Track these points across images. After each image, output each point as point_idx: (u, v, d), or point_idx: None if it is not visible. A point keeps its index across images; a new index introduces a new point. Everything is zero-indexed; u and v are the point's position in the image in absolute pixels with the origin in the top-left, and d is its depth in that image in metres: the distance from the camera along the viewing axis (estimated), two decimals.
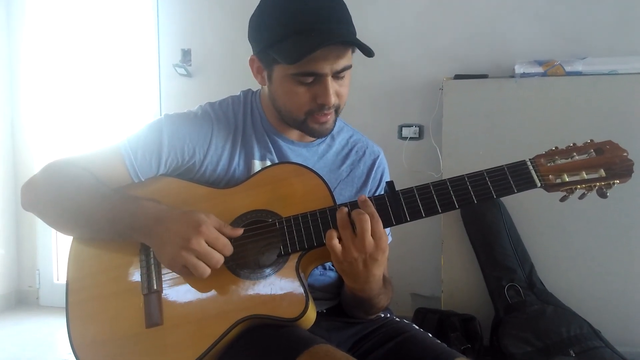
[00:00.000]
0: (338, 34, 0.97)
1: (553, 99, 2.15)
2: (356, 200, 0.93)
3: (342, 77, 1.02)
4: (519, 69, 2.19)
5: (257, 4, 1.04)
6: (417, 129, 2.50)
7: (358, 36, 1.01)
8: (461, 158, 2.24)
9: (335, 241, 0.89)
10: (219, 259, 0.90)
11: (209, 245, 0.89)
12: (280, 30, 0.97)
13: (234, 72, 2.43)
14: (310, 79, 0.99)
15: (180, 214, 0.92)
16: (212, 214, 0.93)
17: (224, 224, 0.94)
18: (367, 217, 0.88)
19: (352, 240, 0.88)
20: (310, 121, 1.04)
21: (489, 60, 2.39)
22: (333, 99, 1.00)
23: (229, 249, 0.92)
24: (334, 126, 1.08)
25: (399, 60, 2.51)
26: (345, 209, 0.91)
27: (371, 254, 0.89)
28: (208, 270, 0.90)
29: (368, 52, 0.96)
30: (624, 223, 2.08)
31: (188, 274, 0.91)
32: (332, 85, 0.99)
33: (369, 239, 0.88)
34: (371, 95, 2.55)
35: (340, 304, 1.14)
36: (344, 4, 1.01)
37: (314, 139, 1.14)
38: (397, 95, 2.54)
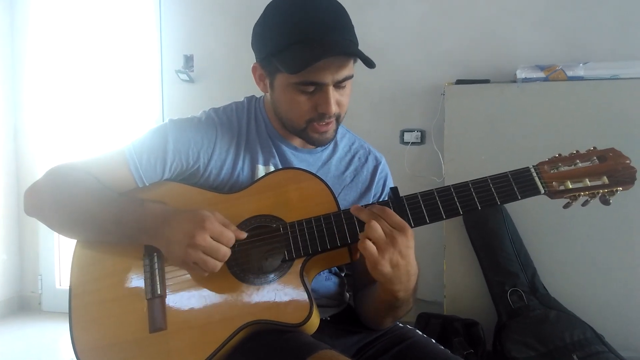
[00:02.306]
0: (340, 46, 0.97)
1: (555, 104, 2.15)
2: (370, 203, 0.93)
3: (344, 87, 1.02)
4: (520, 74, 2.19)
5: (259, 10, 1.04)
6: (419, 134, 2.50)
7: (360, 41, 1.02)
8: (463, 163, 2.24)
9: (369, 243, 0.88)
10: (226, 252, 0.91)
11: (214, 240, 0.90)
12: (283, 40, 0.98)
13: (237, 78, 2.43)
14: (311, 88, 0.99)
15: (185, 213, 0.93)
16: (218, 212, 0.94)
17: (230, 223, 0.94)
18: (379, 218, 0.89)
19: (384, 238, 0.88)
20: (311, 130, 1.04)
21: (490, 65, 2.39)
22: (334, 108, 1.00)
23: (233, 242, 0.92)
24: (334, 135, 1.08)
25: (400, 65, 2.51)
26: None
27: (403, 242, 0.88)
28: (219, 265, 0.91)
29: (369, 63, 0.97)
30: (627, 228, 2.08)
31: (200, 272, 0.92)
32: (333, 94, 1.00)
33: (395, 230, 0.88)
34: (373, 100, 2.56)
35: (344, 312, 1.14)
36: (346, 12, 1.01)
37: None
38: (398, 100, 2.54)
